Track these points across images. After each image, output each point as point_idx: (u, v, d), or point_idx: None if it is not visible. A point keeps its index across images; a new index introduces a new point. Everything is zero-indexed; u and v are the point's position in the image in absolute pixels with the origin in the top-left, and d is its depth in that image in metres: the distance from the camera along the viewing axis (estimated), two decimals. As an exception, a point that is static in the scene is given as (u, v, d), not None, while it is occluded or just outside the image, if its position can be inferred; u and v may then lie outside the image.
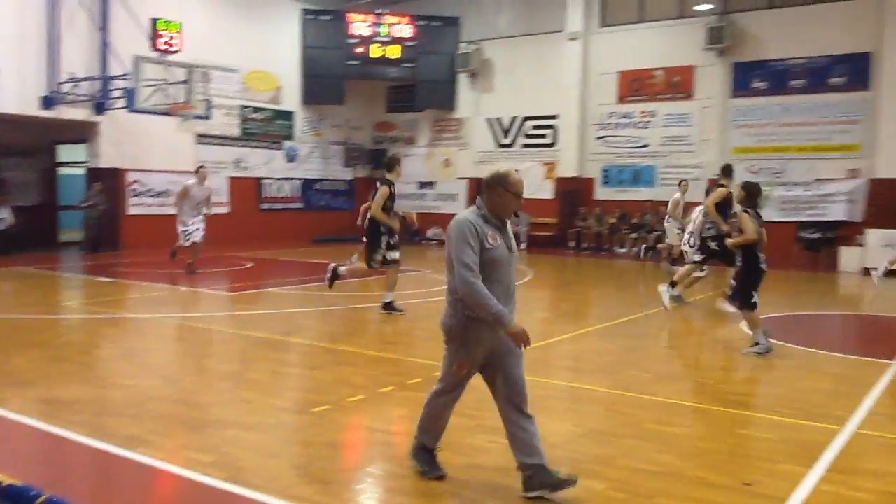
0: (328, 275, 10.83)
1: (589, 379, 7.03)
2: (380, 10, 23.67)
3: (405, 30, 23.65)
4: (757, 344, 7.94)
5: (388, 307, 10.20)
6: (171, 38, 16.21)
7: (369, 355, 7.82)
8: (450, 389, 4.34)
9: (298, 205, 24.12)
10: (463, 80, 24.34)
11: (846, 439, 5.22)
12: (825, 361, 7.96)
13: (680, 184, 15.20)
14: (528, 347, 4.03)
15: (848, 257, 17.12)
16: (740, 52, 19.83)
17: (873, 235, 16.69)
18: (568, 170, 22.36)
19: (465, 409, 4.98)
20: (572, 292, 14.29)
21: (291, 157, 23.87)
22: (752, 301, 8.01)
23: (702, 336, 9.84)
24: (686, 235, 11.91)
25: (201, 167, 14.80)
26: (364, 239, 10.39)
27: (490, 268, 4.03)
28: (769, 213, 19.04)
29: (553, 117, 22.83)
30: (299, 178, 24.12)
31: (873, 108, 18.07)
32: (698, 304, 11.96)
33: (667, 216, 15.36)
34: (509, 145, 23.80)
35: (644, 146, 21.43)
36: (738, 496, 4.22)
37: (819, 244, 18.30)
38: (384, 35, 23.54)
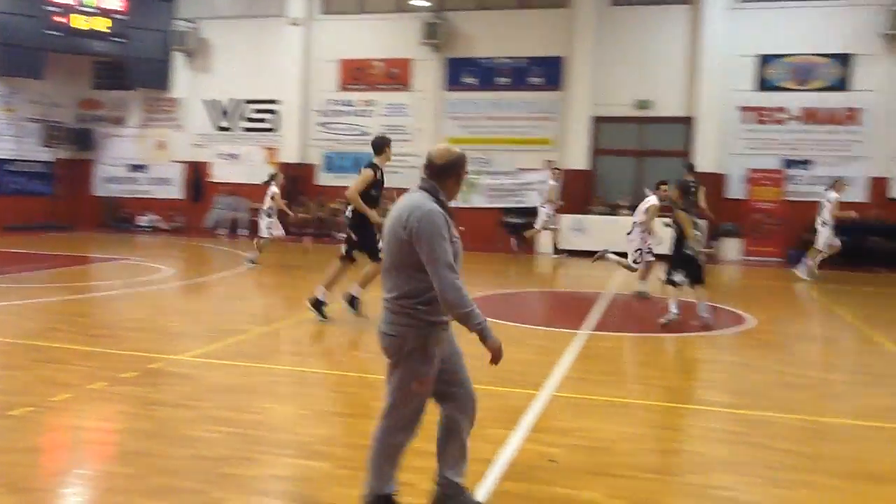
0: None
1: (315, 362, 7.15)
2: (83, -23, 21.72)
3: (114, 1, 21.92)
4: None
5: (353, 303, 9.09)
6: None
7: (76, 350, 7.27)
8: (408, 420, 3.67)
9: (-15, 188, 21.49)
10: (179, 60, 23.15)
11: (543, 402, 5.86)
12: (527, 334, 8.81)
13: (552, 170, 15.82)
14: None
15: (544, 240, 18.95)
16: (453, 48, 21.03)
17: (564, 219, 18.64)
18: (290, 155, 22.23)
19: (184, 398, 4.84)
20: (295, 277, 14.31)
21: (-24, 134, 21.16)
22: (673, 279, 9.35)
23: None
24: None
25: None
26: (351, 234, 9.06)
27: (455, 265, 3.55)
28: (478, 200, 20.54)
29: (274, 102, 22.55)
30: (-14, 158, 21.48)
31: (564, 106, 20.13)
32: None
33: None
34: (228, 129, 23.11)
35: (364, 134, 21.92)
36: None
37: (520, 228, 20.01)
38: (89, 5, 21.63)
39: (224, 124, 23.17)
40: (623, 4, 19.90)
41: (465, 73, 21.08)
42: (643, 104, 19.59)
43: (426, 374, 3.60)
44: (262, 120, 22.82)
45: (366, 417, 5.36)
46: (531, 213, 19.62)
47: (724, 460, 4.84)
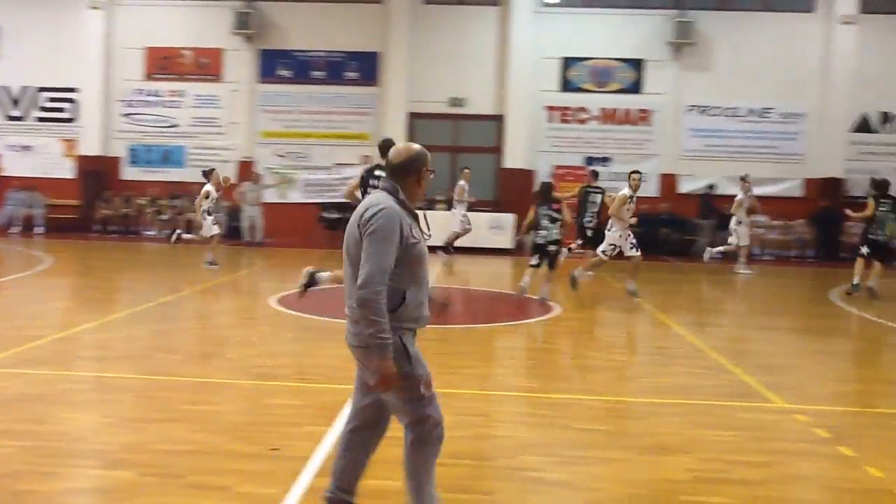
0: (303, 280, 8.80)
1: (117, 367, 6.76)
2: None
3: None
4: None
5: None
6: None
7: None
8: (434, 427, 3.47)
9: None
10: (-43, 40, 21.00)
11: (360, 397, 5.88)
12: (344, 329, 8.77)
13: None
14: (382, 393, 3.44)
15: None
16: (266, 39, 20.54)
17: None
18: (91, 148, 20.79)
19: None
20: (98, 278, 13.44)
21: None
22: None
23: (233, 315, 10.09)
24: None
25: None
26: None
27: (416, 265, 3.37)
28: (295, 196, 20.28)
29: (73, 90, 21.00)
30: None
31: (380, 102, 20.25)
32: (232, 285, 12.20)
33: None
34: (21, 118, 21.25)
35: (173, 126, 20.96)
36: (268, 462, 4.51)
37: (338, 223, 19.91)
38: None
39: (15, 113, 21.29)
40: (435, 3, 20.32)
41: (279, 65, 20.67)
42: (456, 102, 20.12)
43: (421, 372, 3.41)
44: (59, 109, 21.19)
45: (174, 421, 5.16)
46: (350, 208, 19.57)
47: (532, 443, 5.08)
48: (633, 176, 11.59)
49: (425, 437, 3.45)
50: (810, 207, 19.53)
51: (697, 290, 14.32)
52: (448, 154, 20.51)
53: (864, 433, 5.59)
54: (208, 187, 13.73)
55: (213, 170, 14.18)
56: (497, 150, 20.21)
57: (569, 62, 20.18)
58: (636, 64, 20.08)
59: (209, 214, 13.69)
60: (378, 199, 3.36)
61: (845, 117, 19.74)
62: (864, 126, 20.02)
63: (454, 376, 6.81)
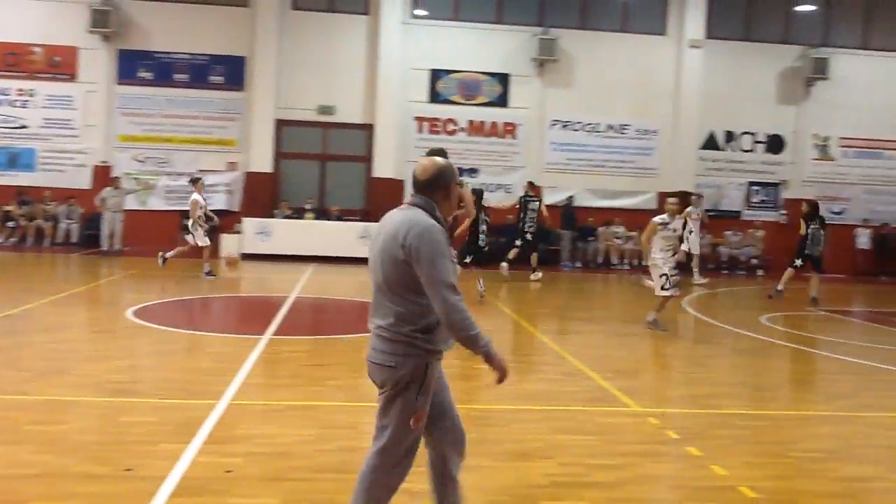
0: None
1: (-46, 386, 6.27)
2: None
3: None
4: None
5: None
6: None
7: None
8: (403, 459, 3.41)
9: None
10: None
11: (222, 411, 5.72)
12: (207, 342, 8.52)
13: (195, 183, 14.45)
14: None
15: (227, 243, 18.45)
16: (126, 39, 19.65)
17: (248, 223, 18.34)
18: (-75, 148, 19.20)
19: None
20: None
21: None
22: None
23: (87, 328, 9.57)
24: None
25: None
26: None
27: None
28: (156, 203, 19.52)
29: None
30: None
31: (247, 108, 19.81)
32: (87, 295, 11.57)
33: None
34: None
35: (23, 127, 19.66)
36: (122, 483, 4.30)
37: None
38: None
39: None
40: (304, 9, 20.09)
41: (140, 66, 19.82)
42: (325, 109, 19.96)
43: (423, 406, 3.32)
44: None
45: (18, 443, 4.86)
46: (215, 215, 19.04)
47: (397, 453, 5.10)
48: (670, 200, 10.55)
49: (387, 464, 3.41)
50: (664, 219, 20.63)
51: (561, 298, 14.79)
52: (317, 162, 20.33)
53: (711, 433, 5.95)
54: (196, 196, 13.77)
55: (200, 178, 14.32)
56: (367, 159, 20.19)
57: (437, 74, 20.44)
58: (502, 78, 20.60)
59: (201, 225, 13.76)
60: (416, 217, 3.24)
61: (695, 135, 21.01)
62: (711, 143, 21.38)
63: (320, 388, 6.75)
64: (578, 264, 19.95)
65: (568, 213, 19.97)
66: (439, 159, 3.44)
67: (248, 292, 14.08)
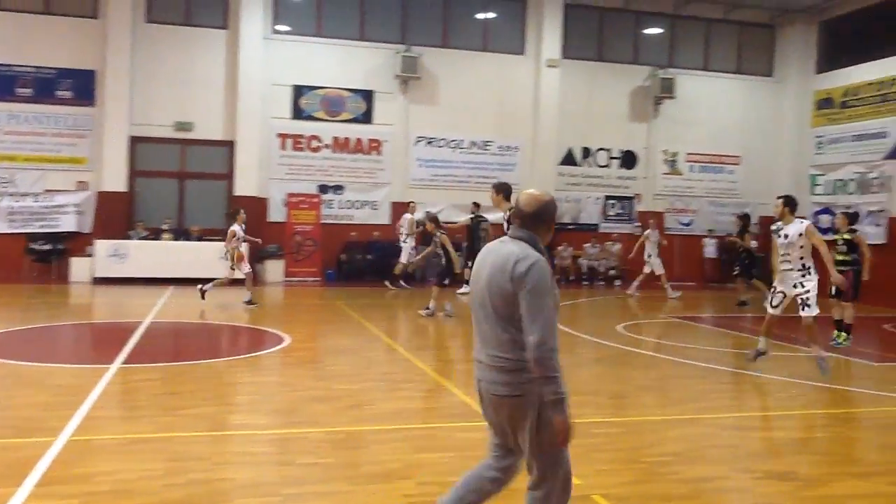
0: None
1: None
2: None
3: None
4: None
5: None
6: None
7: None
8: (565, 482, 3.49)
9: None
10: None
11: (59, 449, 5.33)
12: (47, 374, 7.96)
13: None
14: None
15: (78, 267, 17.47)
16: (-41, 50, 18.29)
17: (101, 245, 17.39)
18: None
19: None
20: None
21: None
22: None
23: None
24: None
25: None
26: None
27: (556, 314, 3.28)
28: (-4, 225, 18.20)
29: None
30: None
31: (98, 124, 18.83)
32: None
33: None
34: None
35: None
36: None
37: (50, 255, 18.18)
38: None
39: None
40: (159, 22, 19.36)
41: (-24, 79, 18.47)
42: (183, 126, 19.27)
43: (567, 417, 3.26)
44: None
45: None
46: (62, 238, 18.01)
47: (250, 483, 4.91)
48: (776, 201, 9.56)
49: (549, 494, 3.45)
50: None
51: (426, 318, 14.81)
52: (175, 180, 19.58)
53: (566, 443, 6.08)
54: (235, 227, 13.89)
55: (240, 210, 14.50)
56: (228, 176, 19.63)
57: (301, 90, 20.17)
58: (367, 95, 20.56)
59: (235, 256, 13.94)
60: (523, 251, 3.30)
61: (554, 151, 21.70)
62: (569, 159, 22.15)
63: (172, 418, 6.43)
64: (446, 281, 20.08)
65: (427, 229, 20.01)
66: (545, 194, 3.50)
67: (100, 318, 13.32)
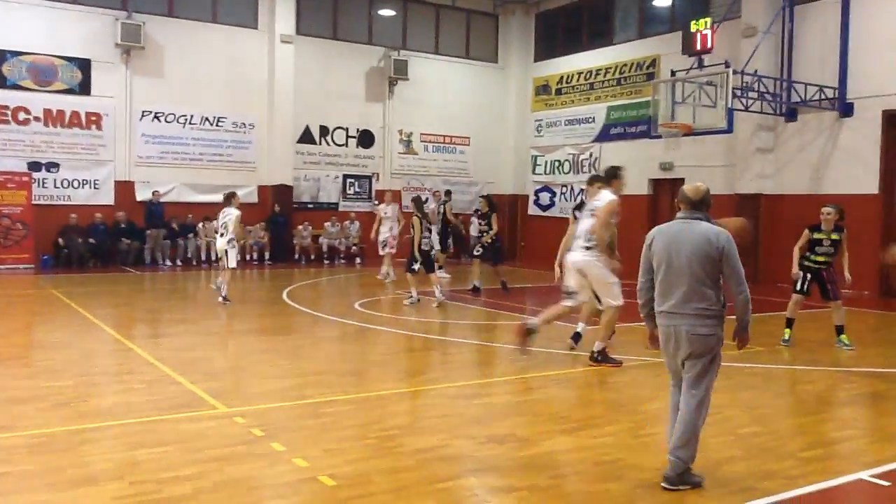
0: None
1: None
2: None
3: None
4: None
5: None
6: None
7: None
8: (710, 399, 4.76)
9: None
10: None
11: None
12: None
13: None
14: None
15: None
16: None
17: None
18: None
19: None
20: None
21: None
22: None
23: None
24: None
25: None
26: None
27: None
28: None
29: None
30: None
31: None
32: None
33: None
34: None
35: None
36: None
37: None
38: None
39: None
40: None
41: None
42: None
43: (748, 334, 4.76)
44: None
45: None
46: None
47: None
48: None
49: (705, 405, 4.70)
50: (265, 213, 20.71)
51: (155, 301, 13.97)
52: None
53: (295, 426, 6.01)
54: (236, 211, 12.57)
55: (236, 194, 13.23)
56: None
57: (4, 55, 17.97)
58: (83, 63, 18.80)
59: (233, 247, 12.62)
60: (711, 227, 4.64)
61: (291, 129, 21.35)
62: (307, 137, 21.93)
63: None
64: (179, 263, 19.14)
65: (153, 209, 18.88)
66: (703, 185, 4.79)
67: None
